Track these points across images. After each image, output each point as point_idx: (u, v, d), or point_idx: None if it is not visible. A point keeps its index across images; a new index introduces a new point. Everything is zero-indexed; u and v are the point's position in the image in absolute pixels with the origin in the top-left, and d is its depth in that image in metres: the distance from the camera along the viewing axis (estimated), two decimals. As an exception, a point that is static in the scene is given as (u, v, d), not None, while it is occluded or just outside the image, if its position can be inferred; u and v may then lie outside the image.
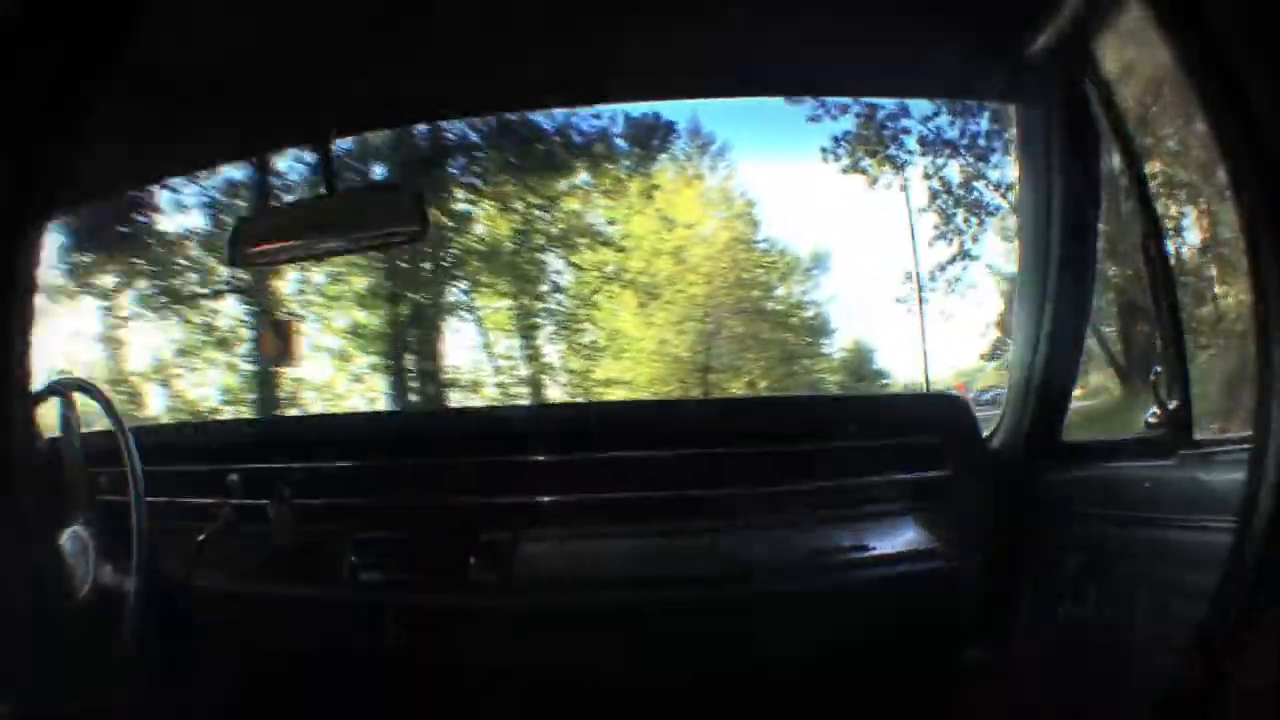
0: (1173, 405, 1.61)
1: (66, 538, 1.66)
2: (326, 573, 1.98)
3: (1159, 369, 1.65)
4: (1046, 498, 1.94)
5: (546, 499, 2.02)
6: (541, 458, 2.04)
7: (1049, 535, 1.89)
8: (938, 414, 2.18)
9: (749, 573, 1.99)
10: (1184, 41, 0.80)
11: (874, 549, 2.02)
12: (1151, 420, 1.65)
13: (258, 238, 1.96)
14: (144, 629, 1.62)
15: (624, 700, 1.94)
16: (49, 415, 1.79)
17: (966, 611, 2.00)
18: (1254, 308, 0.79)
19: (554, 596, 2.00)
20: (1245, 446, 0.98)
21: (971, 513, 2.02)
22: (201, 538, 1.93)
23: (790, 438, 2.08)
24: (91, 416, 1.84)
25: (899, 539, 2.04)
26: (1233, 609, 0.72)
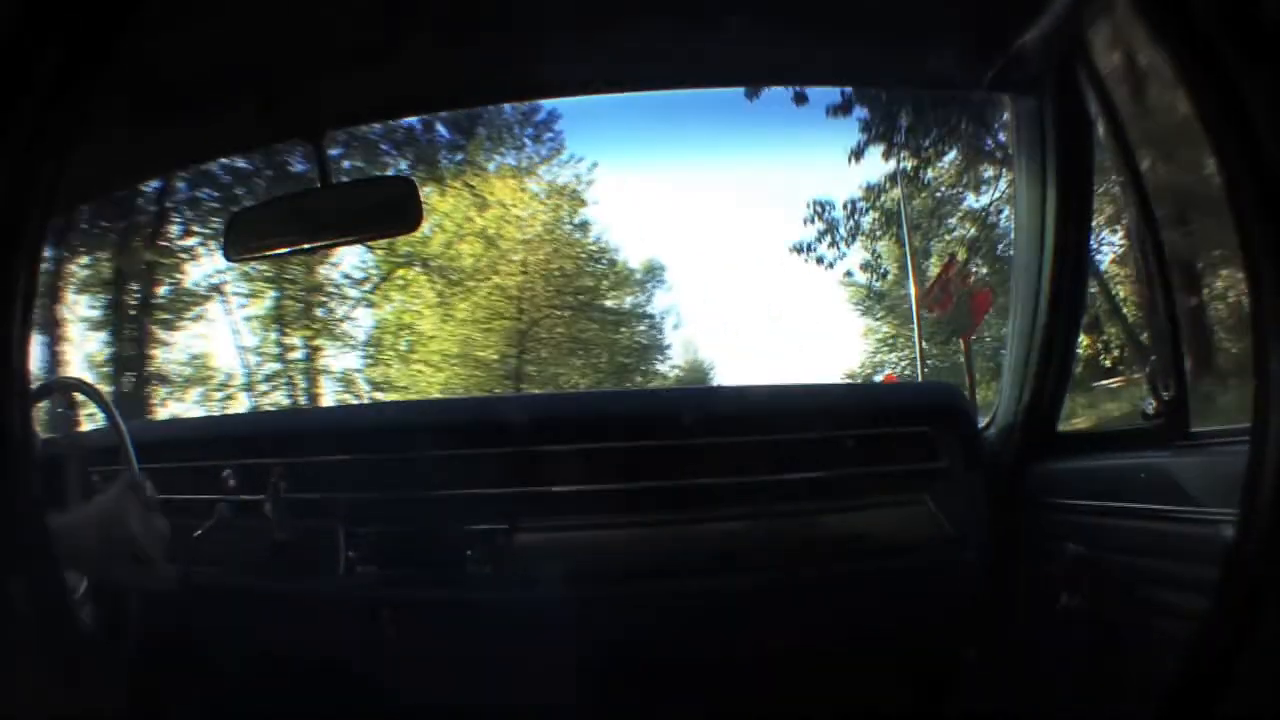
0: (1168, 396, 1.61)
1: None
2: (322, 567, 1.99)
3: (1154, 358, 1.66)
4: (1042, 488, 1.94)
5: (542, 490, 2.02)
6: (537, 448, 2.04)
7: (1044, 526, 1.89)
8: (933, 404, 2.18)
9: (741, 564, 1.99)
10: (1172, 38, 0.80)
11: (868, 539, 2.03)
12: (1148, 411, 1.65)
13: (253, 231, 1.96)
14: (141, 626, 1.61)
15: (616, 689, 1.95)
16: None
17: (961, 602, 2.01)
18: (1251, 298, 0.80)
19: (550, 589, 2.00)
20: (1241, 438, 0.99)
21: (966, 503, 2.02)
22: (198, 534, 1.93)
23: (784, 427, 2.08)
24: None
25: (893, 530, 2.05)
26: (1236, 602, 0.72)
